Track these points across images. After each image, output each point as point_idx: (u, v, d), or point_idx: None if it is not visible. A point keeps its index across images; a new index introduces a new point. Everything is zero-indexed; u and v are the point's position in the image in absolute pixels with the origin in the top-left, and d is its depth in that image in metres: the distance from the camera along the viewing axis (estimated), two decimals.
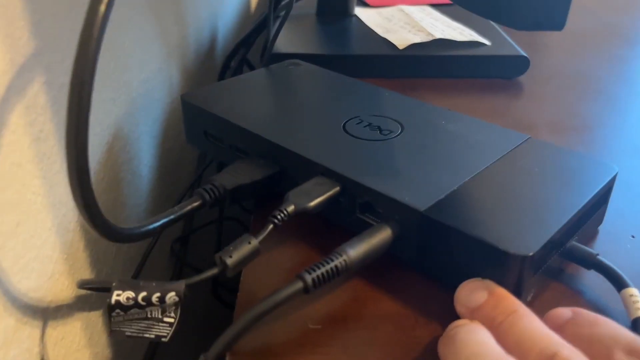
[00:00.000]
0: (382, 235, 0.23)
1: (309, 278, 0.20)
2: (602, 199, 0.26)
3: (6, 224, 0.21)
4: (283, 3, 0.55)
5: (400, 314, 0.23)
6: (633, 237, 0.28)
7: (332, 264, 0.21)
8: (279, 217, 0.24)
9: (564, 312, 0.19)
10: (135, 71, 0.36)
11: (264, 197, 0.30)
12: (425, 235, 0.23)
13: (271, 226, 0.23)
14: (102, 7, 0.18)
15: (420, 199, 0.23)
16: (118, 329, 0.21)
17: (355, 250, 0.22)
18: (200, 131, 0.34)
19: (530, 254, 0.20)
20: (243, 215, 0.49)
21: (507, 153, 0.27)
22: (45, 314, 0.24)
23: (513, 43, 0.48)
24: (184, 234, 0.43)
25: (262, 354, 0.21)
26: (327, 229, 0.28)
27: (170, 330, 0.21)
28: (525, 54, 0.46)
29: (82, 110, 0.17)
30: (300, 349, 0.21)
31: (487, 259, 0.21)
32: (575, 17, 0.66)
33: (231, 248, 0.22)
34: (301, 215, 0.25)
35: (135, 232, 0.23)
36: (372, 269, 0.25)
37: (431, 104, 0.33)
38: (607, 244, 0.27)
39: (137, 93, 0.36)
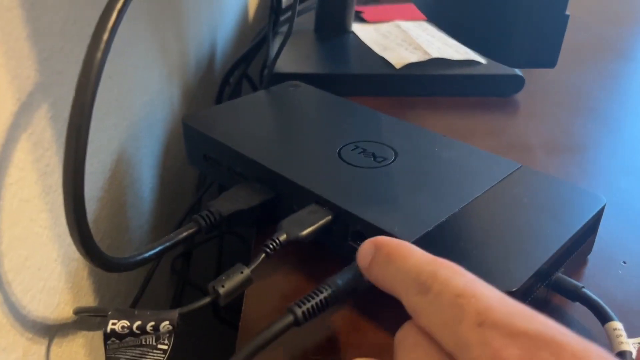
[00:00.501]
0: None
1: (299, 311, 0.21)
2: (590, 230, 0.26)
3: (15, 259, 0.22)
4: (282, 19, 0.56)
5: None
6: (624, 262, 0.28)
7: (321, 296, 0.22)
8: (271, 246, 0.25)
9: (366, 249, 0.19)
10: (138, 94, 0.36)
11: (263, 222, 0.30)
12: None
13: (263, 255, 0.24)
14: (99, 55, 0.18)
15: (408, 230, 0.24)
16: (113, 355, 0.22)
17: (344, 282, 0.23)
18: (201, 154, 0.35)
19: (514, 289, 0.21)
20: (244, 230, 0.50)
21: (497, 183, 0.28)
22: (51, 343, 0.25)
23: None
24: (185, 252, 0.44)
25: None
26: (329, 252, 0.28)
27: (163, 357, 0.22)
28: (520, 73, 0.46)
29: (79, 155, 0.19)
30: None
31: None
32: (570, 30, 0.67)
33: (224, 278, 0.23)
34: (294, 243, 0.25)
35: (131, 262, 0.24)
36: (372, 299, 0.25)
37: (426, 128, 0.34)
38: (598, 269, 0.28)
39: (139, 116, 0.37)
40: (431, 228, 0.24)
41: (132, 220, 0.36)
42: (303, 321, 0.21)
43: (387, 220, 0.24)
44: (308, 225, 0.25)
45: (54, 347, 0.25)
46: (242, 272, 0.23)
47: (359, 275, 0.22)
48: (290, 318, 0.21)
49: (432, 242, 0.23)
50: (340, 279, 0.22)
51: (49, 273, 0.25)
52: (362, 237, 0.25)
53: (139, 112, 0.37)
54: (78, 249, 0.20)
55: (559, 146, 0.40)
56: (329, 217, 0.26)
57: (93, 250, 0.21)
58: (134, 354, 0.21)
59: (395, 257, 0.17)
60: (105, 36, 0.18)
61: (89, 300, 0.29)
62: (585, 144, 0.41)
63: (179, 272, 0.44)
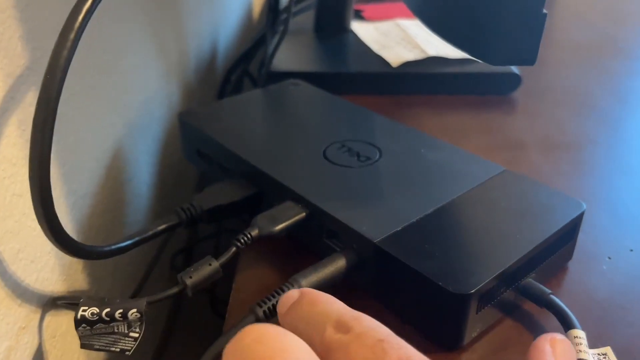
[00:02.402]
0: (336, 265, 0.24)
1: (259, 311, 0.22)
2: (566, 236, 0.26)
3: (7, 251, 0.23)
4: (281, 18, 0.57)
5: None
6: (609, 258, 0.28)
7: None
8: (242, 240, 0.25)
9: (292, 294, 0.18)
10: (135, 93, 0.37)
11: (249, 218, 0.31)
12: (378, 265, 0.24)
13: (234, 249, 0.25)
14: (65, 53, 0.20)
15: (376, 229, 0.24)
16: (88, 342, 0.22)
17: (307, 280, 0.23)
18: (194, 149, 0.35)
19: (470, 292, 0.21)
20: (242, 228, 0.51)
21: (477, 185, 0.27)
22: (45, 333, 0.26)
23: None
24: (185, 248, 0.45)
25: None
26: None
27: (134, 345, 0.22)
28: (517, 72, 0.46)
29: (44, 147, 0.20)
30: None
31: (431, 294, 0.22)
32: (572, 28, 0.66)
33: (192, 269, 0.24)
34: (267, 239, 0.26)
35: (105, 250, 0.25)
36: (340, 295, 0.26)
37: (416, 129, 0.34)
38: (583, 265, 0.27)
39: (137, 114, 0.37)
40: (400, 228, 0.24)
41: (128, 217, 0.36)
42: (264, 319, 0.22)
43: (358, 219, 0.24)
44: (281, 221, 0.26)
45: (47, 337, 0.26)
46: (210, 265, 0.24)
47: (322, 274, 0.23)
48: (251, 318, 0.22)
49: (398, 242, 0.23)
50: (302, 277, 0.23)
51: (42, 265, 0.25)
52: (336, 235, 0.26)
53: (136, 111, 0.37)
54: (47, 236, 0.21)
55: (555, 144, 0.40)
56: (303, 214, 0.26)
57: (62, 238, 0.22)
58: (107, 341, 0.22)
59: (319, 302, 0.17)
60: (72, 35, 0.19)
61: (83, 293, 0.30)
62: (581, 142, 0.40)
63: (178, 269, 0.45)
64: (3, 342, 0.23)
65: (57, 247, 0.22)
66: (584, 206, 0.26)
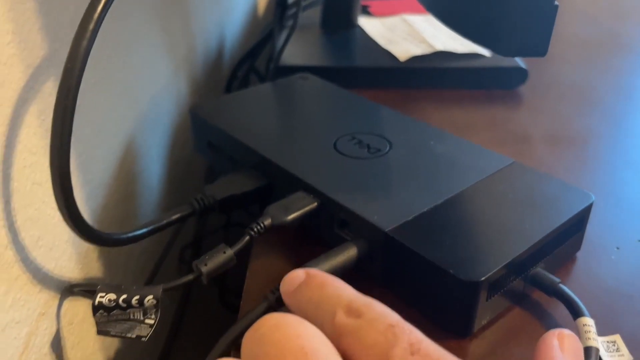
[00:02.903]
0: (348, 254, 0.24)
1: (272, 298, 0.22)
2: (575, 227, 0.26)
3: (28, 239, 0.23)
4: (289, 13, 0.57)
5: None
6: (618, 248, 0.29)
7: None
8: (255, 229, 0.25)
9: (298, 274, 0.18)
10: (145, 88, 0.38)
11: (259, 207, 0.31)
12: (389, 254, 0.24)
13: (247, 238, 0.25)
14: (85, 42, 0.20)
15: (387, 219, 0.24)
16: (104, 329, 0.23)
17: (319, 268, 0.23)
18: (205, 142, 0.36)
19: (480, 279, 0.21)
20: (250, 222, 0.51)
21: (486, 177, 0.28)
22: (63, 320, 0.26)
23: None
24: (194, 241, 0.45)
25: None
26: None
27: (150, 331, 0.23)
28: (523, 66, 0.46)
29: (64, 134, 0.20)
30: None
31: (441, 282, 0.22)
32: (576, 24, 0.66)
33: (207, 257, 0.24)
34: (279, 228, 0.26)
35: (122, 237, 0.26)
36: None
37: (425, 122, 0.34)
38: (591, 255, 0.28)
39: (147, 108, 0.38)
40: (410, 218, 0.24)
41: (140, 208, 0.37)
42: (277, 306, 0.22)
43: (368, 209, 0.25)
44: (293, 211, 0.26)
45: (65, 324, 0.26)
46: (224, 252, 0.24)
47: (333, 262, 0.23)
48: (264, 305, 0.22)
49: (409, 231, 0.24)
50: (314, 266, 0.23)
51: (60, 253, 0.26)
52: (347, 225, 0.26)
53: (146, 105, 0.38)
54: (67, 223, 0.21)
55: (561, 138, 0.40)
56: (315, 204, 0.26)
57: (81, 225, 0.22)
58: (123, 328, 0.22)
59: (328, 285, 0.17)
60: (91, 25, 0.19)
61: (98, 282, 0.30)
62: (587, 136, 0.41)
63: (187, 262, 0.45)
64: (23, 327, 0.23)
65: (76, 234, 0.22)
66: (593, 197, 0.26)
